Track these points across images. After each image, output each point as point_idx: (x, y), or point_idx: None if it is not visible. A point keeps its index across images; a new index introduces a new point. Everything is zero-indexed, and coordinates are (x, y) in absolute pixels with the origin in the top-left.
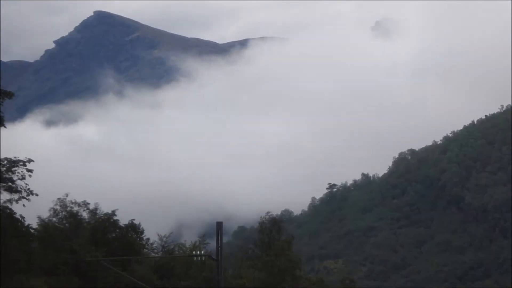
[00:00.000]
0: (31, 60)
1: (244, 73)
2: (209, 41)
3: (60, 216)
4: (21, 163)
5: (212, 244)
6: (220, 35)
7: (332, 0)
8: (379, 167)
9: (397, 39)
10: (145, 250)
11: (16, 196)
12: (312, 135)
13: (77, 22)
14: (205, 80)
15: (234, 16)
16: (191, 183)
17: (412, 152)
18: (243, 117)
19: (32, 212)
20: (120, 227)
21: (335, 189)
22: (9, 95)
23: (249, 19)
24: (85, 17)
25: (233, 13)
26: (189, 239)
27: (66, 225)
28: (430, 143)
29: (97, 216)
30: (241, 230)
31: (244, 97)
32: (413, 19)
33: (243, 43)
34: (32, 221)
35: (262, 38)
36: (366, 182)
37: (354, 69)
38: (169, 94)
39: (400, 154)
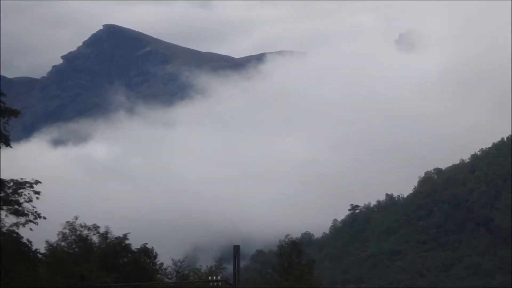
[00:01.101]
0: (38, 77)
1: (261, 89)
2: (224, 55)
3: (69, 240)
4: (28, 185)
5: (229, 268)
6: (235, 49)
7: (351, 12)
8: (404, 187)
9: (423, 52)
10: (158, 275)
11: (22, 219)
12: (333, 153)
13: (85, 36)
14: (221, 97)
15: (250, 29)
16: (207, 204)
17: (438, 171)
18: (260, 135)
19: (39, 236)
20: (132, 252)
21: (357, 210)
22: (15, 113)
23: (266, 32)
24: (94, 31)
25: (249, 26)
26: (204, 263)
27: (76, 249)
28: (457, 162)
29: (108, 240)
30: (259, 253)
31: (262, 114)
32: (439, 31)
33: (259, 58)
34: (39, 246)
35: (279, 52)
36: (391, 203)
37: (377, 83)
38: (183, 112)
39: (426, 173)
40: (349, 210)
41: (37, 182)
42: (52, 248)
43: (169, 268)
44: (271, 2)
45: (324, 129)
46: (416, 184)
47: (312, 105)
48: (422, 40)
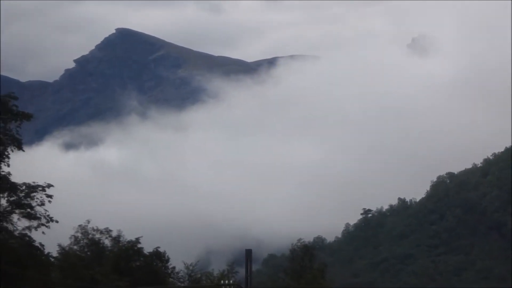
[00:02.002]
0: (50, 80)
1: (273, 93)
2: (237, 59)
3: (81, 243)
4: (40, 189)
5: (241, 272)
6: (247, 53)
7: (363, 16)
8: (417, 191)
9: (435, 57)
10: (170, 279)
11: (35, 223)
12: (346, 158)
13: (98, 40)
14: (233, 101)
15: (262, 33)
16: (219, 208)
17: (451, 175)
18: (272, 139)
19: (52, 239)
20: (144, 255)
21: (370, 215)
22: (28, 117)
23: (278, 36)
24: (106, 35)
25: (261, 30)
26: (216, 267)
27: (88, 253)
28: (469, 166)
29: (120, 244)
30: (272, 257)
31: (274, 118)
32: (452, 35)
33: (271, 62)
34: (52, 249)
35: (291, 56)
36: (403, 207)
37: (389, 88)
38: (195, 116)
39: (439, 177)
40: (361, 214)
41: (49, 185)
42: (64, 252)
43: (181, 272)
44: (282, 6)
45: (337, 133)
46: (428, 188)
47: (324, 110)
48: (435, 45)
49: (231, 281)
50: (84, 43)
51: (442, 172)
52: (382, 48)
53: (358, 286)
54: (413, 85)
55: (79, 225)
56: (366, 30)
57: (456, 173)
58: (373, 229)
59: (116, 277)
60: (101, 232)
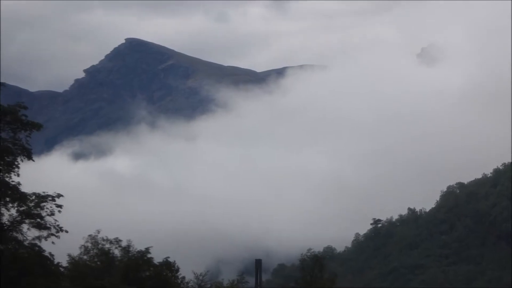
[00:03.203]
0: (60, 90)
1: (282, 103)
2: (246, 69)
3: (91, 253)
4: (50, 198)
5: (251, 282)
6: (257, 63)
7: (372, 25)
8: (427, 201)
9: (445, 66)
10: None
11: (45, 233)
12: (355, 167)
13: (108, 50)
14: (242, 111)
15: (271, 42)
16: (229, 217)
17: (461, 185)
18: (282, 149)
19: (61, 249)
20: (154, 265)
21: (380, 225)
22: (37, 126)
23: (287, 46)
24: (116, 45)
25: (270, 39)
26: (226, 277)
27: (98, 263)
28: (479, 176)
29: (130, 254)
30: (281, 267)
31: (283, 128)
32: (461, 45)
33: (280, 72)
34: (61, 259)
35: (301, 66)
36: (413, 217)
37: (399, 97)
38: (205, 125)
39: (449, 187)
40: (371, 224)
41: (59, 195)
42: (74, 262)
43: (191, 281)
44: (290, 15)
45: (346, 143)
46: (438, 198)
47: (333, 119)
48: (444, 54)
49: None
50: (94, 53)
51: (452, 182)
52: (391, 57)
53: None
54: (422, 94)
55: (89, 235)
56: (375, 40)
57: (466, 183)
58: (383, 239)
59: (126, 286)
60: (111, 242)
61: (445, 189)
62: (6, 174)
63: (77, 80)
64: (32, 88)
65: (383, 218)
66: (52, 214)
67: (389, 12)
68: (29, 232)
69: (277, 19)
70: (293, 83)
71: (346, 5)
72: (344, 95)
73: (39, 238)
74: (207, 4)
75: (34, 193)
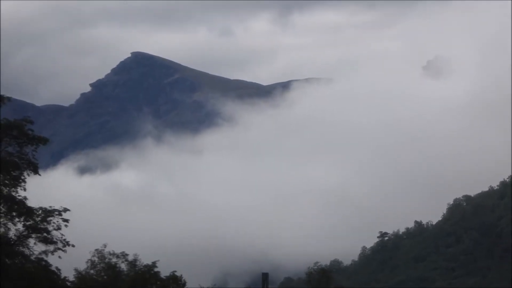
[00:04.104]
0: (66, 104)
1: (288, 116)
2: (252, 82)
3: (98, 268)
4: (57, 213)
5: None
6: (263, 76)
7: (378, 38)
8: (433, 214)
9: (451, 79)
10: None
11: (51, 247)
12: (362, 180)
13: (114, 64)
14: (248, 124)
15: (276, 56)
16: (235, 230)
17: (467, 198)
18: (288, 162)
19: (68, 264)
20: (161, 279)
21: (386, 238)
22: (44, 141)
23: (292, 59)
24: (122, 59)
25: (275, 52)
26: None
27: (104, 277)
28: (486, 189)
29: (137, 268)
30: (288, 281)
31: (289, 141)
32: (467, 57)
33: (285, 85)
34: (68, 274)
35: (306, 79)
36: (419, 230)
37: (405, 110)
38: (210, 139)
39: (455, 200)
40: (378, 237)
41: (65, 210)
42: (80, 276)
43: None
44: (295, 29)
45: (352, 156)
46: (445, 211)
47: (339, 132)
48: (451, 67)
49: None
50: (100, 67)
51: (459, 195)
52: (397, 70)
53: None
54: (429, 108)
55: (96, 249)
56: (380, 53)
57: (472, 195)
58: (389, 252)
59: None
60: (118, 256)
61: (451, 202)
62: (13, 189)
63: (83, 94)
64: (38, 102)
65: (390, 231)
66: (58, 228)
67: (395, 25)
68: (35, 247)
69: (282, 33)
70: (299, 96)
71: (351, 18)
72: (350, 108)
73: (45, 252)
74: (211, 19)
75: (40, 208)
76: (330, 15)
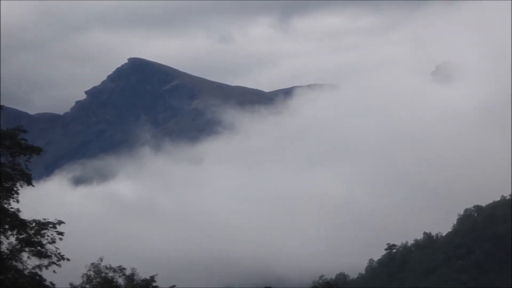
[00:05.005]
0: (61, 113)
1: (291, 124)
2: (253, 89)
3: (94, 282)
4: (51, 226)
5: None
6: (264, 82)
7: (384, 43)
8: (443, 225)
9: (460, 84)
10: None
11: (45, 261)
12: (368, 191)
13: (110, 71)
14: (249, 132)
15: (279, 62)
16: (237, 243)
17: (478, 208)
18: (291, 171)
19: (63, 278)
20: None
21: (394, 250)
22: (37, 150)
23: (294, 64)
24: (119, 65)
25: (278, 58)
26: None
27: None
28: (498, 198)
29: (134, 282)
30: None
31: (292, 150)
32: (477, 63)
33: (288, 92)
34: None
35: (309, 86)
36: (429, 242)
37: (413, 117)
38: (210, 148)
39: (466, 210)
40: (385, 249)
41: (60, 222)
42: None
43: None
44: (297, 34)
45: (358, 165)
46: (455, 222)
47: (344, 141)
48: (460, 72)
49: None
50: (96, 74)
51: (469, 205)
52: (404, 76)
53: None
54: (437, 114)
55: (92, 263)
56: (387, 58)
57: (484, 206)
58: (398, 265)
59: None
60: (115, 270)
61: (462, 212)
62: (5, 201)
63: (78, 102)
64: (32, 111)
65: (398, 243)
66: (53, 241)
67: (400, 29)
68: (29, 261)
69: (283, 38)
70: (302, 103)
71: (354, 22)
72: (355, 116)
73: (39, 267)
74: (209, 24)
75: (34, 220)
76: (332, 19)
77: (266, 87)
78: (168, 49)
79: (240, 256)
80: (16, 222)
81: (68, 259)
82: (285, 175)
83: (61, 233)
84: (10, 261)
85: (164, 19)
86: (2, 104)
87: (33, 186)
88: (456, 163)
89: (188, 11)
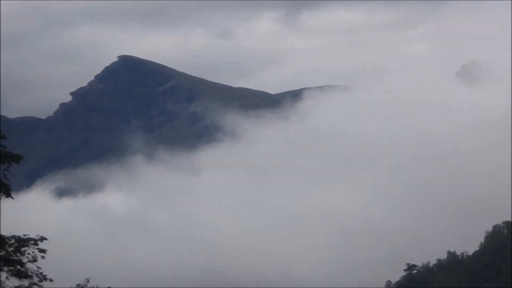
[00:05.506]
0: (43, 117)
1: (300, 130)
2: (258, 91)
3: None
4: (32, 242)
5: None
6: (270, 84)
7: (404, 41)
8: (469, 244)
9: (489, 86)
10: None
11: (26, 282)
12: (386, 205)
13: (98, 70)
14: (253, 139)
15: (286, 61)
16: (240, 263)
17: (508, 224)
18: (300, 184)
19: None
20: None
21: (415, 271)
22: (17, 159)
23: (304, 64)
24: (107, 64)
25: (285, 57)
26: None
27: None
28: None
29: None
30: None
31: (301, 159)
32: (508, 61)
33: (296, 94)
34: None
35: (320, 87)
36: (453, 262)
37: (435, 123)
38: (210, 156)
39: (494, 227)
40: (405, 270)
41: (42, 238)
42: None
43: None
44: (307, 31)
45: (375, 176)
46: (482, 239)
47: (359, 149)
48: (488, 72)
49: None
50: (82, 74)
51: (498, 221)
52: (426, 77)
53: None
54: (463, 120)
55: (77, 285)
56: (406, 57)
57: None
58: (418, 287)
59: None
60: None
61: (490, 229)
62: None
63: (62, 105)
64: (11, 114)
65: (419, 263)
66: (34, 260)
67: (421, 25)
68: (7, 282)
69: (290, 34)
70: (312, 107)
71: (369, 17)
72: (372, 121)
73: None
74: (208, 18)
75: (13, 236)
76: (345, 14)
77: (272, 89)
78: (163, 46)
79: (243, 277)
80: None
81: (51, 280)
82: (293, 188)
83: (43, 251)
84: None
85: (158, 12)
86: None
87: (12, 198)
88: (483, 174)
89: (186, 4)
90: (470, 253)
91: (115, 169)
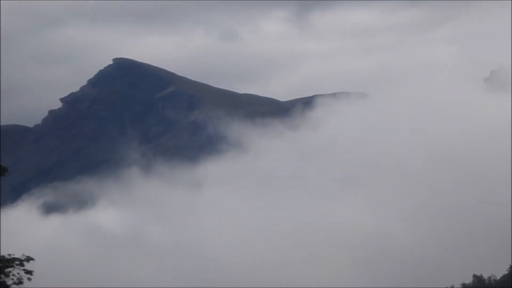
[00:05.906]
0: (31, 125)
1: (311, 141)
2: (265, 97)
3: None
4: (17, 263)
5: None
6: (279, 90)
7: (425, 44)
8: (497, 267)
9: None
10: None
11: None
12: (405, 223)
13: (91, 74)
14: (260, 151)
15: (297, 66)
16: (246, 283)
17: None
18: (312, 199)
19: None
20: None
21: None
22: (2, 170)
23: (316, 68)
24: (102, 67)
25: (295, 61)
26: None
27: None
28: None
29: None
30: None
31: (313, 172)
32: None
33: (308, 101)
34: None
35: (333, 94)
36: (480, 286)
37: (461, 134)
38: (213, 170)
39: None
40: None
41: (28, 258)
42: None
43: None
44: (319, 33)
45: (394, 192)
46: (511, 262)
47: (376, 161)
48: None
49: None
50: (73, 78)
51: None
52: (450, 83)
53: None
54: (492, 130)
55: None
56: (428, 61)
57: None
58: None
59: None
60: None
61: None
62: None
63: (51, 112)
64: None
65: (442, 287)
66: (20, 282)
67: (444, 27)
68: None
69: (301, 36)
70: (325, 115)
71: (387, 18)
72: (390, 131)
73: None
74: (211, 19)
75: None
76: (360, 14)
77: (281, 96)
78: (162, 48)
79: None
80: None
81: None
82: (304, 203)
83: (29, 272)
84: None
85: (157, 11)
86: None
87: None
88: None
89: (186, 2)
90: (498, 277)
91: (109, 183)
